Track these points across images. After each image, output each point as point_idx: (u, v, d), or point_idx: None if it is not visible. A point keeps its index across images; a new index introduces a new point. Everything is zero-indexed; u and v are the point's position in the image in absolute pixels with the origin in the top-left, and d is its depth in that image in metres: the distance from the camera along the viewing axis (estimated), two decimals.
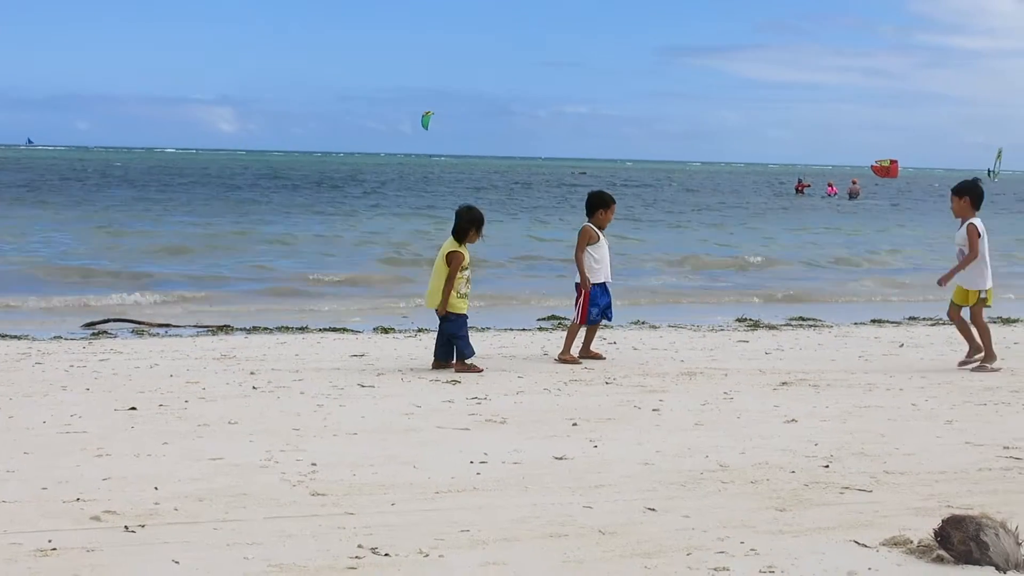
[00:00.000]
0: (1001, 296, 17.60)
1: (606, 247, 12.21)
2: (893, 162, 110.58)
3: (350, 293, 20.54)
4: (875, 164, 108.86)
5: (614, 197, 12.49)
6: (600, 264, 12.10)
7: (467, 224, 11.21)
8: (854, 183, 76.81)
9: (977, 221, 11.56)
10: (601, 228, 12.17)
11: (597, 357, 12.06)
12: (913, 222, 49.15)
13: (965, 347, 11.85)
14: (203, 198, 53.04)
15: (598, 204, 12.22)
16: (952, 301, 11.82)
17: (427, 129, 54.61)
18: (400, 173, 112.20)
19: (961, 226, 11.67)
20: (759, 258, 28.70)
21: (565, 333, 12.29)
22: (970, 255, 11.49)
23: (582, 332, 12.18)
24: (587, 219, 12.24)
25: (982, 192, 11.72)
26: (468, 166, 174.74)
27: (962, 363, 11.66)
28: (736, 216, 50.75)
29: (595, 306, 12.00)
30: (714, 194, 79.80)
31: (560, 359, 11.79)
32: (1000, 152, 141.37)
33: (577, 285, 12.06)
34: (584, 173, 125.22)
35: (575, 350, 11.95)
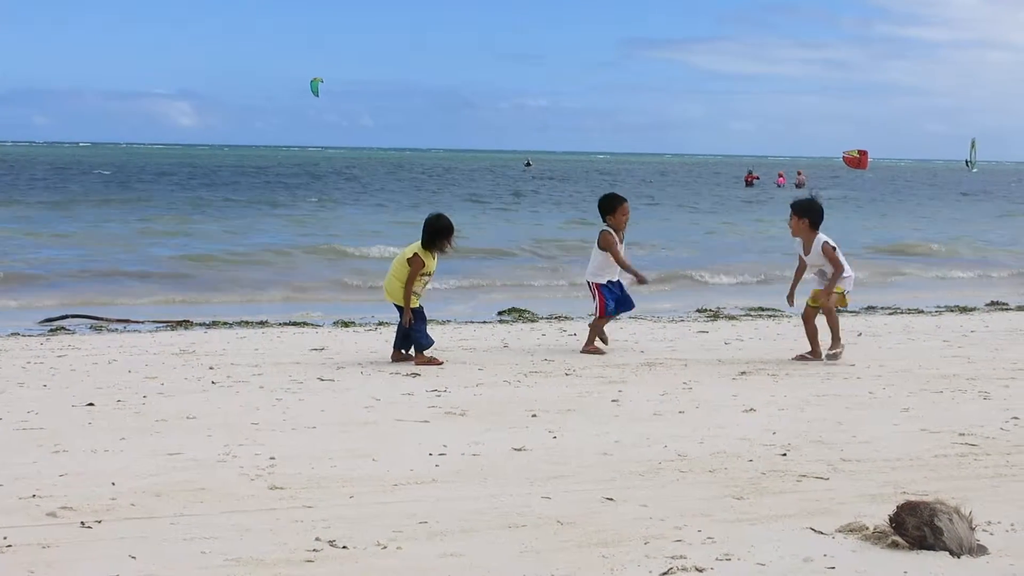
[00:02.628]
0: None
1: (623, 249, 12.25)
2: (863, 152, 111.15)
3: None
4: (846, 155, 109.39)
5: (623, 197, 12.46)
6: (610, 267, 12.18)
7: (430, 234, 11.13)
8: (799, 174, 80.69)
9: (826, 237, 11.34)
10: (617, 229, 12.20)
11: (598, 352, 12.01)
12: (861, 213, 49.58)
13: (922, 336, 11.93)
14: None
15: (606, 208, 12.29)
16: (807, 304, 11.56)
17: (317, 96, 53.94)
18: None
19: (809, 246, 11.39)
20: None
21: (526, 325, 12.29)
22: (837, 271, 11.31)
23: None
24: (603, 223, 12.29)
25: (822, 211, 11.49)
26: (418, 159, 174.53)
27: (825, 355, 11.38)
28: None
29: (610, 301, 12.11)
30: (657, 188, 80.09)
31: (585, 350, 11.94)
32: (974, 142, 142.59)
33: (589, 283, 12.27)
34: (529, 165, 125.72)
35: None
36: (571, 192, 65.89)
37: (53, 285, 19.57)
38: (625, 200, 12.39)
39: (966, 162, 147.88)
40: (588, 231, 34.55)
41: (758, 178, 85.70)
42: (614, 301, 12.17)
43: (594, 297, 12.21)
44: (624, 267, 12.15)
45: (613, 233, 12.16)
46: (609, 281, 12.21)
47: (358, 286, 20.43)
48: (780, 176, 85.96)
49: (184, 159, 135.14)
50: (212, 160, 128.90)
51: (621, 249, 12.20)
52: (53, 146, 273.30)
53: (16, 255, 23.72)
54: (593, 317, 12.27)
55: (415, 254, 11.09)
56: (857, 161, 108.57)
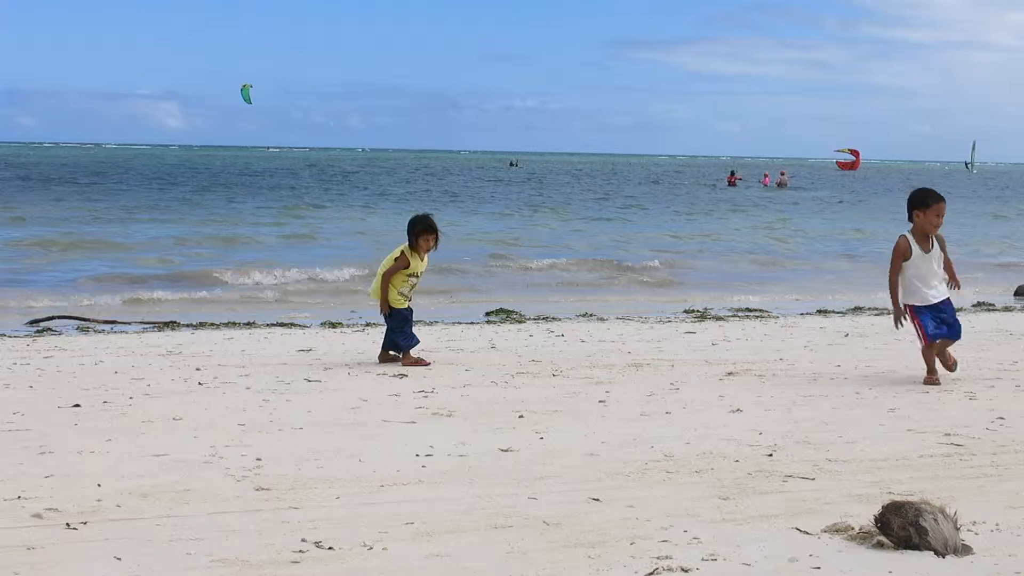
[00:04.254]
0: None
1: (928, 259, 9.99)
2: (855, 153, 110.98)
3: None
4: (839, 161, 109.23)
5: (939, 195, 10.04)
6: (916, 284, 10.02)
7: (410, 233, 11.13)
8: (782, 174, 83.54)
9: None
10: (923, 236, 9.99)
11: (935, 382, 10.03)
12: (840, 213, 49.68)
13: (908, 336, 11.86)
14: None
15: (914, 205, 10.00)
16: None
17: (249, 103, 52.56)
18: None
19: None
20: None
21: (514, 326, 12.24)
22: None
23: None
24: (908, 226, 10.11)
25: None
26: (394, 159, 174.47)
27: None
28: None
29: (929, 323, 9.99)
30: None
31: (926, 381, 10.04)
32: (975, 144, 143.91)
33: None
34: (515, 164, 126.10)
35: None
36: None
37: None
38: (938, 200, 9.98)
39: (966, 164, 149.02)
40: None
41: (741, 179, 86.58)
42: (934, 324, 9.98)
43: (912, 321, 10.13)
44: (890, 288, 10.14)
45: (911, 241, 10.01)
46: (924, 305, 10.01)
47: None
48: (765, 176, 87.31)
49: (183, 161, 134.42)
50: (212, 161, 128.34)
51: (922, 262, 9.98)
52: (42, 147, 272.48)
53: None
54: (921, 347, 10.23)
55: (402, 253, 11.12)
56: (851, 164, 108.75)
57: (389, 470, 6.76)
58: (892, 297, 10.10)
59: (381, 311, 11.18)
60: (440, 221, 11.57)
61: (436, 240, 11.20)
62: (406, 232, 11.17)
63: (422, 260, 11.23)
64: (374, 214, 42.32)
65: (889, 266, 10.10)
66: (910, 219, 10.00)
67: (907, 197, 10.08)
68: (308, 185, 67.80)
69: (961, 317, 16.13)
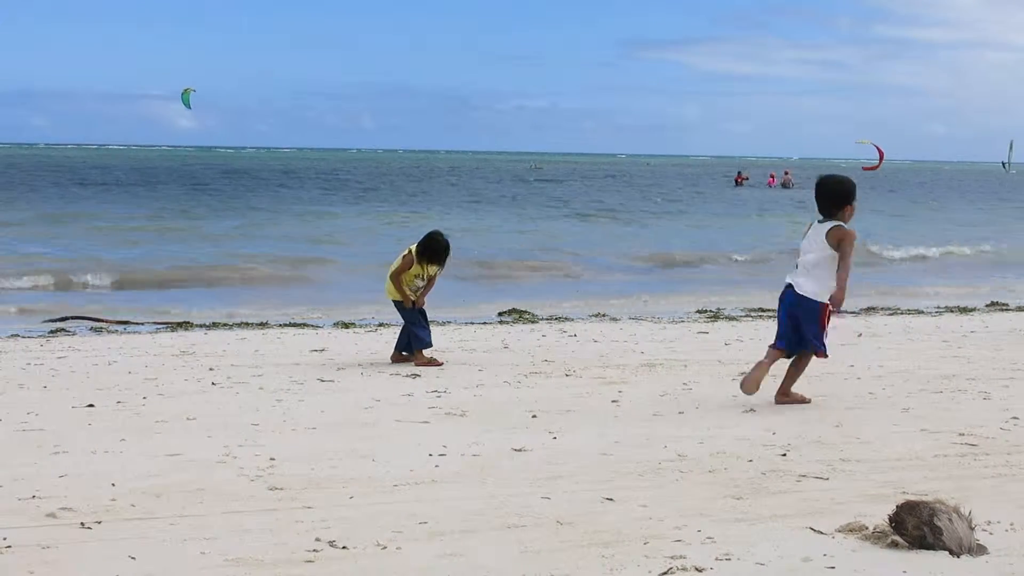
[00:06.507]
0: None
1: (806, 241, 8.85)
2: (879, 151, 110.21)
3: None
4: (865, 164, 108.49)
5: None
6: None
7: (424, 253, 11.12)
8: (787, 174, 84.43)
9: None
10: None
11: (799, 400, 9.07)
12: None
13: (922, 336, 11.90)
14: None
15: (852, 195, 8.76)
16: None
17: (189, 107, 51.77)
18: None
19: None
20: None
21: (526, 326, 12.18)
22: None
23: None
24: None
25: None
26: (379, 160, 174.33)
27: None
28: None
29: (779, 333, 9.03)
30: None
31: (780, 400, 9.07)
32: (1012, 144, 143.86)
33: (816, 302, 8.81)
34: (540, 168, 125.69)
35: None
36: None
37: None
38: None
39: (1003, 164, 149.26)
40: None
41: (747, 178, 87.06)
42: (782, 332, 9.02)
43: (822, 328, 8.89)
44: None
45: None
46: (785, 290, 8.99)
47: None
48: (771, 176, 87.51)
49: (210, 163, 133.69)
50: (246, 164, 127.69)
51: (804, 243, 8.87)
52: (54, 148, 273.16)
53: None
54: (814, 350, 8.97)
55: (409, 252, 11.13)
56: (874, 166, 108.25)
57: (402, 470, 6.77)
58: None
59: (405, 306, 11.13)
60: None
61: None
62: (419, 241, 11.17)
63: (426, 266, 11.19)
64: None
65: (849, 259, 8.63)
66: (840, 209, 8.67)
67: (834, 186, 8.70)
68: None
69: (974, 317, 16.24)
